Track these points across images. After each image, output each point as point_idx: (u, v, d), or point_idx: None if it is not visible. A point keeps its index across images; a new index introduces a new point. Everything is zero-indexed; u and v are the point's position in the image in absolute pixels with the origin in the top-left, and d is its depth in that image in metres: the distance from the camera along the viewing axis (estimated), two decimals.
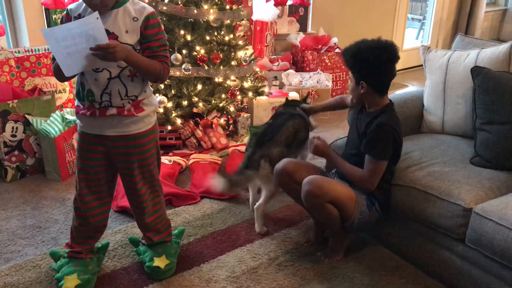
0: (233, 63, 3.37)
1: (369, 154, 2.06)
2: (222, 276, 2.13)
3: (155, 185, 2.07)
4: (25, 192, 2.83)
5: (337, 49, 4.44)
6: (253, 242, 2.37)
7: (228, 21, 3.34)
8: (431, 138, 2.48)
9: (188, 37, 3.21)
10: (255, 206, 2.46)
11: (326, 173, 2.34)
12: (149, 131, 1.96)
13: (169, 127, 3.28)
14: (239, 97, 3.50)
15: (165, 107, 3.25)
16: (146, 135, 1.95)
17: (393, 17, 5.38)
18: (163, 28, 1.92)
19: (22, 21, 3.40)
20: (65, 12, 1.88)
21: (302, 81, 4.12)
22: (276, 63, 4.30)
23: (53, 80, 3.20)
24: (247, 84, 3.53)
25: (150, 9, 1.83)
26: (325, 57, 4.34)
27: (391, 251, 2.29)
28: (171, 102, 3.27)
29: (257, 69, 3.78)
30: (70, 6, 1.87)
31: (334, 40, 4.51)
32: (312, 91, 4.03)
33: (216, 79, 3.35)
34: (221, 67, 3.31)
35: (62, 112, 3.03)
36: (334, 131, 3.83)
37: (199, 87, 3.31)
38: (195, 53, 3.26)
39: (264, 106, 3.75)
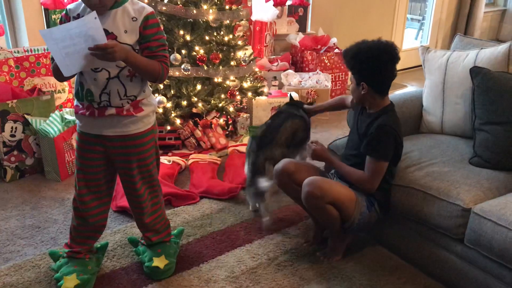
0: (232, 63, 3.38)
1: (370, 155, 2.07)
2: (221, 276, 2.13)
3: (154, 185, 2.07)
4: (24, 192, 2.83)
5: (337, 49, 4.44)
6: (252, 242, 2.37)
7: (228, 21, 3.34)
8: (430, 138, 2.48)
9: (188, 37, 3.21)
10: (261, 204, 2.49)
11: (325, 173, 2.34)
12: (148, 131, 1.96)
13: (169, 127, 3.28)
14: (238, 97, 3.50)
15: (164, 107, 3.25)
16: (145, 135, 1.95)
17: (393, 18, 5.38)
18: (162, 28, 1.92)
19: (22, 21, 3.40)
20: (64, 12, 1.88)
21: (301, 81, 4.12)
22: (276, 63, 4.30)
23: (52, 80, 3.20)
24: (246, 84, 3.53)
25: (149, 9, 1.83)
26: (324, 57, 4.34)
27: (390, 251, 2.29)
28: (170, 102, 3.27)
29: (257, 69, 3.78)
30: (69, 6, 1.87)
31: (334, 40, 4.51)
32: (312, 91, 4.03)
33: (216, 79, 3.35)
34: (221, 67, 3.32)
35: (61, 112, 3.03)
36: (333, 131, 3.83)
37: (199, 87, 3.31)
38: (194, 53, 3.26)
39: (263, 106, 3.75)
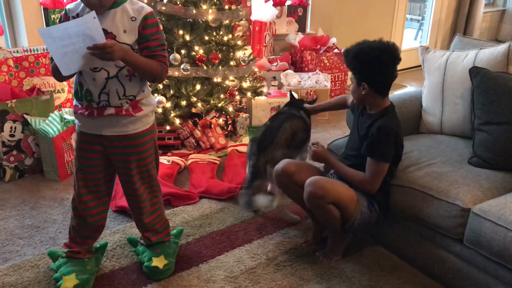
0: (232, 63, 3.38)
1: (370, 156, 2.07)
2: (220, 276, 2.13)
3: (153, 185, 2.07)
4: (23, 192, 2.82)
5: (336, 49, 4.44)
6: (251, 242, 2.37)
7: (227, 21, 3.34)
8: (429, 139, 2.48)
9: (187, 37, 3.21)
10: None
11: (325, 173, 2.34)
12: (147, 131, 1.96)
13: (168, 127, 3.28)
14: (237, 97, 3.50)
15: (163, 107, 3.25)
16: (144, 135, 1.95)
17: (392, 18, 5.38)
18: (161, 28, 1.92)
19: (21, 20, 3.39)
20: (63, 12, 1.88)
21: (300, 81, 4.12)
22: (275, 63, 4.30)
23: (51, 80, 3.20)
24: (245, 84, 3.53)
25: (148, 9, 1.83)
26: (323, 57, 4.34)
27: (389, 251, 2.29)
28: (169, 102, 3.27)
29: (256, 69, 3.78)
30: (69, 6, 1.87)
31: (333, 40, 4.51)
32: (311, 91, 4.03)
33: (215, 79, 3.35)
34: (220, 67, 3.32)
35: (60, 112, 3.03)
36: (332, 131, 3.83)
37: (198, 87, 3.31)
38: (193, 53, 3.26)
39: (262, 106, 3.76)
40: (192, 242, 2.36)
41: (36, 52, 3.22)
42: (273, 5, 4.24)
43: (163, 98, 3.22)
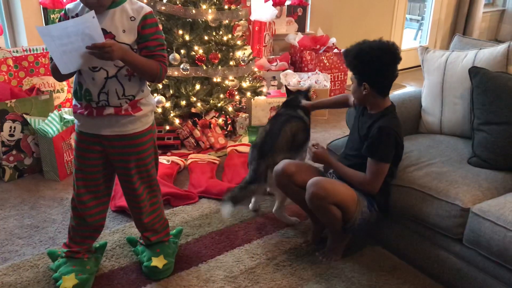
0: (231, 63, 3.38)
1: (371, 157, 2.07)
2: (220, 276, 2.13)
3: (152, 185, 2.07)
4: (23, 192, 2.82)
5: (336, 49, 4.45)
6: (251, 242, 2.37)
7: (227, 21, 3.34)
8: (429, 138, 2.48)
9: (187, 37, 3.21)
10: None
11: (324, 173, 2.34)
12: (146, 131, 1.96)
13: (167, 127, 3.28)
14: (237, 97, 3.50)
15: (163, 107, 3.25)
16: (144, 135, 1.95)
17: (392, 18, 5.38)
18: (161, 27, 1.92)
19: (20, 20, 3.39)
20: (63, 12, 1.88)
21: (300, 81, 4.12)
22: (275, 63, 4.30)
23: (51, 79, 3.19)
24: (245, 84, 3.53)
25: (147, 9, 1.83)
26: (323, 57, 4.34)
27: (389, 251, 2.29)
28: (169, 102, 3.27)
29: (256, 69, 3.79)
30: (68, 6, 1.87)
31: (333, 40, 4.52)
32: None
33: (215, 79, 3.35)
34: (220, 67, 3.31)
35: (60, 111, 3.02)
36: (332, 131, 3.83)
37: (198, 87, 3.31)
38: (193, 53, 3.26)
39: (262, 106, 3.76)
40: (192, 242, 2.36)
41: (35, 52, 3.22)
42: (272, 5, 4.24)
43: (162, 98, 3.22)
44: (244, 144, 3.42)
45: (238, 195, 2.39)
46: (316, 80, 4.12)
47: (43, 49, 3.26)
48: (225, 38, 3.34)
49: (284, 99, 2.88)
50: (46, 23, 3.39)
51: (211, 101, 3.37)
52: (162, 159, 3.02)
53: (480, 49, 2.44)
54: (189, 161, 3.14)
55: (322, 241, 2.32)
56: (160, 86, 3.27)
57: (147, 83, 1.97)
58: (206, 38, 3.29)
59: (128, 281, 2.08)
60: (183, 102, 3.29)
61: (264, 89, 3.69)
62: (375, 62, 2.03)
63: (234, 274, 2.14)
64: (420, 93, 2.68)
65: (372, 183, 2.08)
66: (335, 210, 2.06)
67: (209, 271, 2.15)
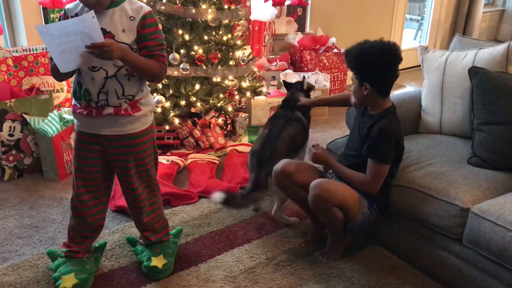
0: (231, 63, 3.37)
1: (371, 158, 2.07)
2: (219, 276, 2.12)
3: (152, 184, 2.07)
4: (22, 192, 2.82)
5: (335, 49, 4.44)
6: (250, 242, 2.37)
7: (226, 21, 3.34)
8: (428, 138, 2.48)
9: (186, 37, 3.21)
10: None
11: (324, 173, 2.34)
12: (146, 131, 1.96)
13: (167, 127, 3.28)
14: (237, 97, 3.50)
15: (163, 107, 3.25)
16: (143, 135, 1.95)
17: (391, 18, 5.38)
18: (160, 27, 1.92)
19: (20, 20, 3.39)
20: (62, 12, 1.88)
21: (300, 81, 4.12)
22: (274, 63, 4.30)
23: (50, 79, 3.19)
24: (245, 84, 3.53)
25: (147, 8, 1.83)
26: (323, 57, 4.34)
27: (388, 251, 2.29)
28: (169, 101, 3.27)
29: (255, 69, 3.78)
30: (68, 6, 1.87)
31: (332, 40, 4.51)
32: None
33: (214, 79, 3.35)
34: (219, 67, 3.31)
35: (59, 111, 3.02)
36: (332, 131, 3.83)
37: (197, 87, 3.31)
38: (193, 52, 3.26)
39: (262, 106, 3.75)
40: (191, 242, 2.36)
41: (35, 52, 3.22)
42: (272, 5, 4.24)
43: (162, 98, 3.22)
44: (243, 144, 3.42)
45: (239, 202, 2.41)
46: (316, 80, 4.12)
47: (42, 49, 3.26)
48: (225, 38, 3.34)
49: (284, 97, 2.87)
50: (46, 23, 3.39)
51: (211, 101, 3.37)
52: (162, 159, 3.02)
53: (480, 49, 2.44)
54: (188, 161, 3.14)
55: (322, 241, 2.32)
56: (160, 85, 3.26)
57: (147, 83, 1.97)
58: (206, 38, 3.29)
59: (127, 281, 2.08)
60: (183, 102, 3.29)
61: (264, 89, 3.69)
62: (376, 63, 2.03)
63: (234, 274, 2.14)
64: (420, 93, 2.68)
65: (372, 184, 2.08)
66: (338, 212, 2.06)
67: (208, 271, 2.15)
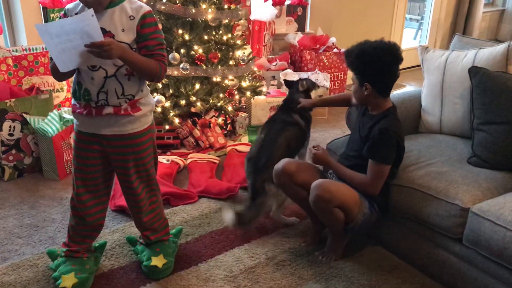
0: (231, 62, 3.37)
1: (372, 158, 2.07)
2: (219, 275, 2.13)
3: (152, 184, 2.07)
4: (22, 191, 2.82)
5: (335, 49, 4.44)
6: (250, 241, 2.37)
7: (226, 21, 3.34)
8: (428, 138, 2.48)
9: (186, 37, 3.21)
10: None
11: (324, 173, 2.34)
12: (145, 131, 1.96)
13: (167, 127, 3.28)
14: (237, 97, 3.50)
15: (163, 107, 3.25)
16: (143, 135, 1.95)
17: (391, 17, 5.38)
18: (160, 27, 1.92)
19: (20, 19, 3.39)
20: (62, 12, 1.88)
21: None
22: (274, 63, 4.30)
23: (50, 79, 3.19)
24: (245, 84, 3.53)
25: (147, 8, 1.83)
26: (323, 57, 4.34)
27: (388, 251, 2.29)
28: (169, 101, 3.27)
29: (255, 69, 3.78)
30: (68, 6, 1.87)
31: (332, 40, 4.51)
32: None
33: (214, 79, 3.35)
34: (219, 66, 3.31)
35: (59, 111, 3.02)
36: (331, 131, 3.83)
37: (197, 86, 3.31)
38: (193, 52, 3.25)
39: (262, 106, 3.75)
40: (191, 242, 2.36)
41: (35, 51, 3.22)
42: (272, 5, 4.24)
43: (162, 98, 3.22)
44: (243, 143, 3.42)
45: (248, 216, 2.35)
46: (316, 80, 4.11)
47: (42, 48, 3.26)
48: (224, 38, 3.33)
49: (283, 98, 2.86)
50: (46, 22, 3.39)
51: (211, 101, 3.37)
52: (162, 159, 3.02)
53: (480, 48, 2.44)
54: (188, 161, 3.14)
55: (321, 241, 2.32)
56: (160, 85, 3.26)
57: (147, 82, 1.97)
58: (205, 37, 3.29)
59: (127, 280, 2.08)
60: (183, 102, 3.29)
61: (264, 89, 3.68)
62: (377, 63, 2.03)
63: (234, 274, 2.14)
64: (420, 92, 2.68)
65: (373, 184, 2.08)
66: (339, 213, 2.06)
67: (208, 270, 2.15)
